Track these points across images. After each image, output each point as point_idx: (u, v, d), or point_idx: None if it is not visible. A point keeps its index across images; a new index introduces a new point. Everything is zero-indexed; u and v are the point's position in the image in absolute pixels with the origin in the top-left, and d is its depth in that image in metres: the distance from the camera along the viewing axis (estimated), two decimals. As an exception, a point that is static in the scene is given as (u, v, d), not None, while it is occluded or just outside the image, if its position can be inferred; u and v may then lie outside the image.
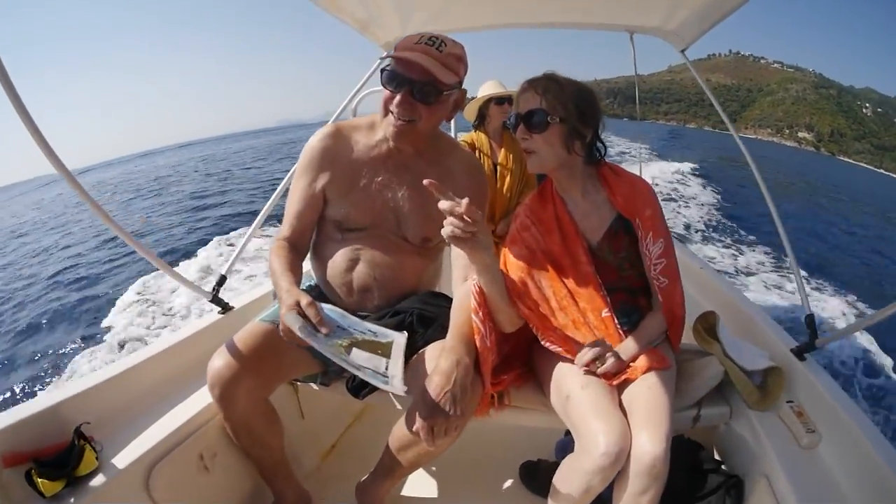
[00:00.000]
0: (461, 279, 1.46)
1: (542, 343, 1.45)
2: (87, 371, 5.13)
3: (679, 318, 1.51)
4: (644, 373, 1.36)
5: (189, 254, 9.39)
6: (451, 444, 1.35)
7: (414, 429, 1.19)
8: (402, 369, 1.20)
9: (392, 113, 1.38)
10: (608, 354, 1.38)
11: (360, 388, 1.49)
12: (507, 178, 3.11)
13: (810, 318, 1.70)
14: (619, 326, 1.47)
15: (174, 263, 8.51)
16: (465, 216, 1.06)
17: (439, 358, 1.26)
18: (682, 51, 2.49)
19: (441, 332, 1.40)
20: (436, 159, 1.53)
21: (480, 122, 3.13)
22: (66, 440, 1.22)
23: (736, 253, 10.01)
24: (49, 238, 14.26)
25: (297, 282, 1.34)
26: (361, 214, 1.51)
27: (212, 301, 1.86)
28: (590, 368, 1.38)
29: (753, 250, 10.20)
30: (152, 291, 7.10)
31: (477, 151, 3.09)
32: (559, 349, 1.43)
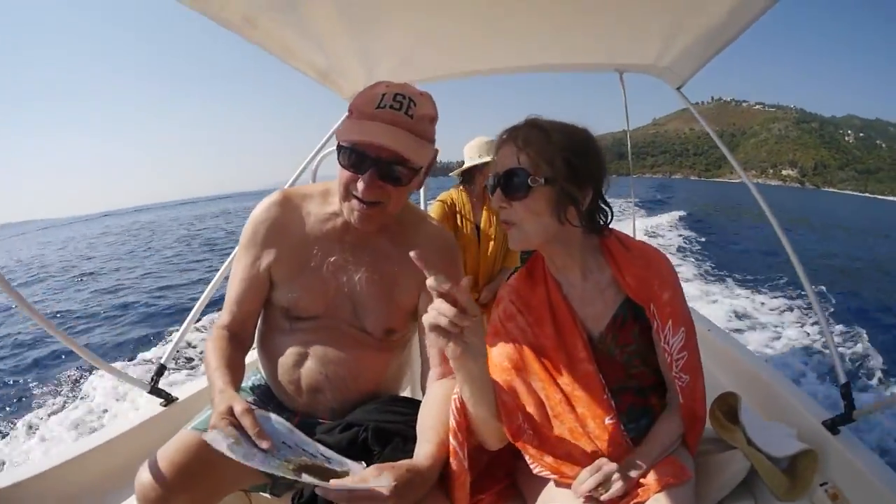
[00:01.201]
0: (434, 377, 1.25)
1: (532, 469, 1.15)
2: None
3: (701, 417, 1.25)
4: (658, 491, 1.08)
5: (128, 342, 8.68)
6: None
7: None
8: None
9: (355, 197, 1.16)
10: (614, 477, 1.09)
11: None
12: (491, 242, 3.03)
13: (846, 388, 1.49)
14: (625, 434, 1.19)
15: (111, 353, 7.95)
16: (459, 302, 0.85)
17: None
18: (678, 88, 2.34)
19: (402, 451, 1.15)
20: (400, 235, 1.33)
21: (467, 181, 3.03)
22: None
23: (748, 310, 8.97)
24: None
25: (236, 380, 1.18)
26: (312, 301, 1.30)
27: (151, 393, 1.70)
28: (592, 495, 1.09)
29: (770, 306, 9.20)
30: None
31: (457, 213, 3.00)
32: (553, 476, 1.15)
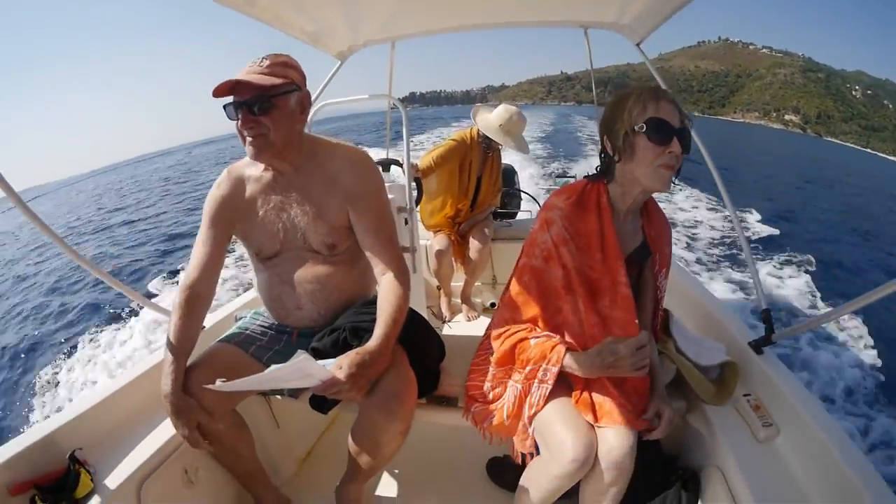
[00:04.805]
0: (380, 274, 1.51)
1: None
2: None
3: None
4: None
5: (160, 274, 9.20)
6: (399, 447, 1.48)
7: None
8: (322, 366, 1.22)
9: (244, 136, 1.40)
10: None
11: (322, 403, 1.54)
12: (482, 188, 3.31)
13: (766, 313, 1.67)
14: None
15: (144, 286, 8.49)
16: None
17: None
18: (638, 44, 2.51)
19: None
20: (317, 168, 1.55)
21: (486, 138, 3.15)
22: (63, 466, 1.33)
23: (704, 241, 9.62)
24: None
25: (187, 345, 1.47)
26: (270, 242, 1.56)
27: None
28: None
29: (719, 238, 9.79)
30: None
31: (467, 156, 3.19)
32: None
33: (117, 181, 42.44)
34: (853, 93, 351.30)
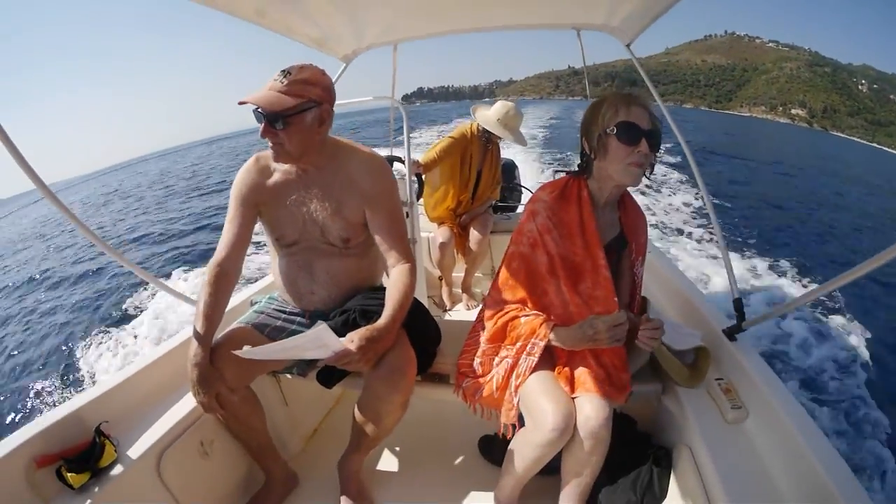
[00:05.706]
0: (391, 265, 1.67)
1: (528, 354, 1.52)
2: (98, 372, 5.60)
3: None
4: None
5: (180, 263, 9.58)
6: (399, 419, 1.67)
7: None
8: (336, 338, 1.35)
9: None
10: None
11: (329, 379, 1.71)
12: (482, 180, 3.47)
13: (738, 302, 1.77)
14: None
15: (163, 272, 8.83)
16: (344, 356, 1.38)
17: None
18: (628, 45, 2.57)
19: None
20: (337, 169, 1.67)
21: (486, 133, 3.31)
22: (88, 439, 1.42)
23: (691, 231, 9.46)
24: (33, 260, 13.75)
25: (211, 329, 1.57)
26: (291, 231, 1.70)
27: None
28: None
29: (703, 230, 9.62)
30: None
31: (467, 150, 3.35)
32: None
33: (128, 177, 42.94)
34: (859, 87, 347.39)
